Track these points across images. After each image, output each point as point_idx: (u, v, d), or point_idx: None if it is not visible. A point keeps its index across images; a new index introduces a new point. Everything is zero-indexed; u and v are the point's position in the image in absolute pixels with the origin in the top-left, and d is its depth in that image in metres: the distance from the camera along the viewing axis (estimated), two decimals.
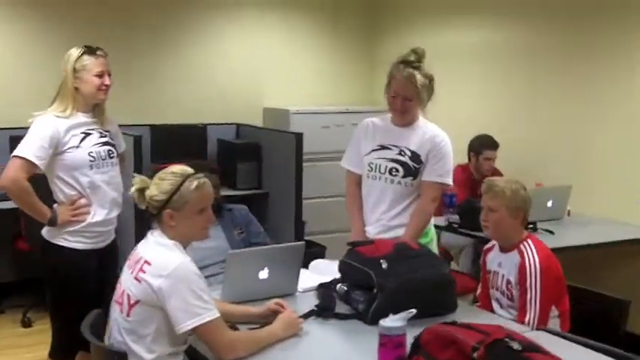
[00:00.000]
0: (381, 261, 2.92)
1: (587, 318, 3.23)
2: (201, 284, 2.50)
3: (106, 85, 3.46)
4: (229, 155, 6.28)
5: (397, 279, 2.85)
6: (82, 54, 3.41)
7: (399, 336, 2.20)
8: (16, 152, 3.30)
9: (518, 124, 5.91)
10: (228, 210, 3.87)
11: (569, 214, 5.23)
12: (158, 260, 2.52)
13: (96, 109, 3.51)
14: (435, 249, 3.65)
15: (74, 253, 3.40)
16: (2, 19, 6.00)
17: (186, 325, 2.44)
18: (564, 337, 2.75)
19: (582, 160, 5.41)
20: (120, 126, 5.92)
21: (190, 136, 6.38)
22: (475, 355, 1.70)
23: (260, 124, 6.88)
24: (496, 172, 5.49)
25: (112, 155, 3.52)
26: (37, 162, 3.28)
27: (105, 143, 3.50)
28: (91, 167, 3.39)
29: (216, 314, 2.49)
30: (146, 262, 2.54)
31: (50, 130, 3.31)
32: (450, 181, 3.53)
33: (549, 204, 5.04)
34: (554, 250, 4.34)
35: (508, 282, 3.23)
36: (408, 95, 3.44)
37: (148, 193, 2.61)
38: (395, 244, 3.03)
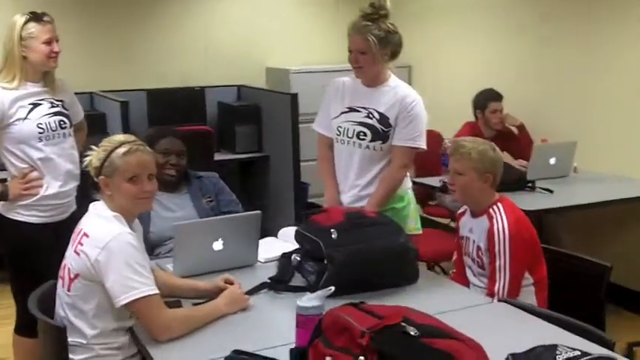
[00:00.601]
0: (332, 230, 2.74)
1: (567, 284, 3.03)
2: (138, 257, 2.38)
3: (55, 52, 3.30)
4: (229, 118, 6.12)
5: (346, 249, 2.68)
6: (27, 21, 3.25)
7: (317, 316, 2.03)
8: None
9: (523, 81, 5.63)
10: (198, 177, 3.72)
11: (575, 170, 4.96)
12: (95, 232, 2.42)
13: (46, 78, 3.37)
14: (412, 213, 3.45)
15: (29, 227, 3.30)
16: None
17: (120, 299, 2.33)
18: (526, 310, 2.55)
19: (590, 115, 5.12)
20: (113, 91, 5.93)
21: (188, 99, 6.22)
22: (362, 341, 1.52)
23: (263, 86, 6.69)
24: (505, 127, 5.24)
25: (63, 126, 3.37)
26: None
27: (56, 113, 3.35)
28: (41, 139, 3.25)
29: (153, 290, 2.37)
30: (85, 234, 2.45)
31: None
32: (422, 144, 3.31)
33: (552, 161, 4.79)
34: (551, 211, 4.22)
35: (478, 248, 3.03)
36: (359, 48, 3.24)
37: (87, 161, 2.54)
38: (347, 212, 2.85)
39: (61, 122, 3.36)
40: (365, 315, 1.68)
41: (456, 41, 6.33)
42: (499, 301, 2.69)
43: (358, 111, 3.33)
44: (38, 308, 2.51)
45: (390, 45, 3.28)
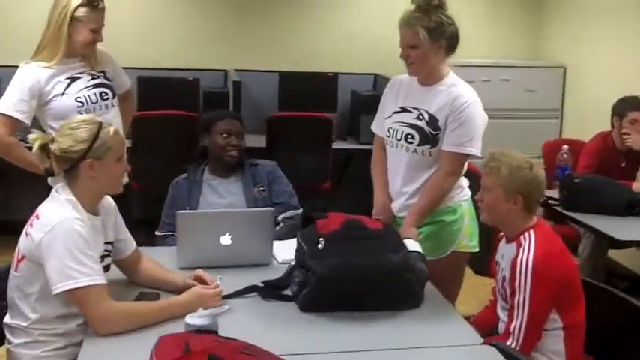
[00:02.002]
0: (320, 239, 2.50)
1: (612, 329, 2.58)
2: (82, 245, 2.29)
3: (98, 41, 3.29)
4: (359, 106, 5.93)
5: (328, 262, 2.44)
6: (82, 4, 3.21)
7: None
8: None
9: None
10: (253, 165, 3.59)
11: None
12: (44, 215, 2.38)
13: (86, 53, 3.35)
14: (467, 229, 3.09)
15: None
16: None
17: (57, 287, 2.27)
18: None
19: None
20: (247, 71, 5.95)
21: (319, 85, 6.09)
22: None
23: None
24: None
25: (105, 97, 3.36)
26: (18, 117, 3.18)
27: (96, 85, 3.34)
28: (80, 112, 3.23)
29: (95, 281, 2.28)
30: (36, 216, 2.41)
31: (29, 81, 3.20)
32: (474, 150, 2.95)
33: None
34: None
35: (504, 279, 2.65)
36: (409, 42, 2.93)
37: (55, 146, 2.41)
38: (345, 221, 2.58)
39: (103, 93, 3.35)
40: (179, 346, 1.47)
41: (612, 43, 5.68)
42: (489, 344, 2.31)
43: (410, 111, 3.04)
44: None
45: (444, 37, 2.96)
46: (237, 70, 5.98)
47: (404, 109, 3.06)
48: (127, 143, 5.02)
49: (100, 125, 2.43)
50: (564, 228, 4.75)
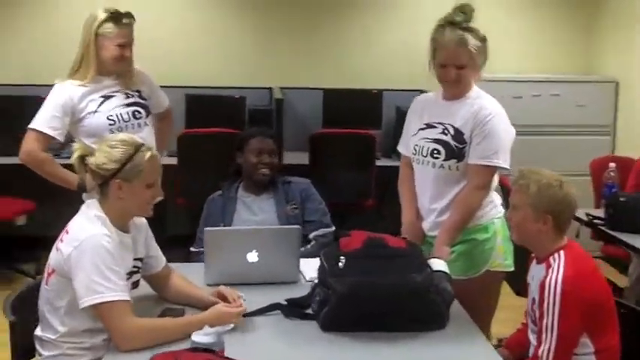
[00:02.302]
0: (341, 257, 2.47)
1: None
2: (108, 261, 2.32)
3: (126, 57, 3.32)
4: (403, 123, 5.86)
5: (348, 281, 2.40)
6: (106, 20, 3.26)
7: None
8: (30, 124, 3.28)
9: None
10: (287, 183, 3.58)
11: None
12: (74, 230, 2.41)
13: (121, 72, 3.39)
14: (500, 247, 3.00)
15: None
16: None
17: (84, 301, 2.30)
18: None
19: None
20: (293, 88, 5.97)
21: (364, 101, 6.07)
22: None
23: None
24: None
25: (138, 116, 3.39)
26: (51, 133, 3.25)
27: (131, 104, 3.38)
28: (112, 131, 3.27)
29: (120, 297, 2.30)
30: (66, 231, 2.45)
31: (62, 99, 3.26)
32: (501, 162, 2.89)
33: None
34: None
35: (533, 301, 2.57)
36: (461, 62, 2.87)
37: (92, 160, 2.45)
38: (367, 239, 2.54)
39: (136, 112, 3.38)
40: None
41: None
42: None
43: (435, 127, 2.99)
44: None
45: (485, 55, 2.92)
46: (282, 88, 6.00)
47: (429, 126, 3.02)
48: (173, 161, 5.20)
49: (138, 148, 2.43)
50: (614, 248, 4.62)
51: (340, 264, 2.45)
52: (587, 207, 4.40)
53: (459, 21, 2.87)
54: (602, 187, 4.39)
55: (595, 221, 3.96)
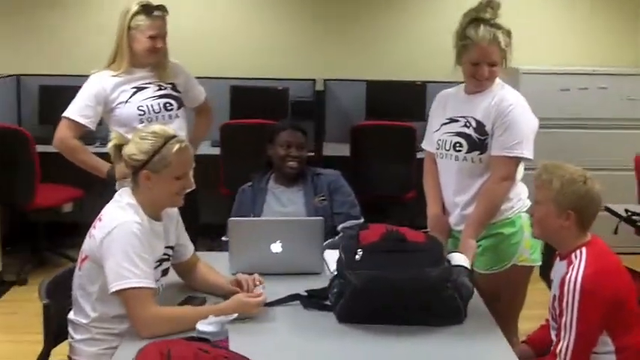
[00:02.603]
0: (358, 250, 2.48)
1: None
2: (138, 248, 2.38)
3: (158, 49, 3.38)
4: None
5: (363, 274, 2.41)
6: (137, 12, 3.34)
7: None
8: (64, 112, 3.39)
9: None
10: (316, 174, 3.60)
11: None
12: (107, 217, 2.48)
13: (156, 63, 3.46)
14: (528, 242, 2.97)
15: None
16: None
17: (112, 286, 2.36)
18: None
19: None
20: (336, 80, 5.97)
21: (407, 94, 6.03)
22: None
23: None
24: None
25: (169, 108, 3.45)
26: (82, 121, 3.35)
27: (162, 96, 3.44)
28: (142, 121, 3.35)
29: (145, 284, 2.36)
30: (99, 218, 2.51)
31: (95, 88, 3.36)
32: (524, 153, 2.86)
33: None
34: None
35: (554, 297, 2.54)
36: (494, 60, 2.86)
37: (126, 150, 2.51)
38: (385, 232, 2.54)
39: (167, 104, 3.44)
40: None
41: None
42: None
43: (457, 121, 2.98)
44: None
45: (511, 49, 2.89)
46: (325, 80, 6.02)
47: (452, 120, 3.01)
48: (216, 151, 5.27)
49: (167, 140, 2.48)
50: None
51: (357, 256, 2.46)
52: (631, 203, 4.31)
53: (488, 18, 2.85)
54: None
55: (634, 217, 3.87)
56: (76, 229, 5.63)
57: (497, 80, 2.95)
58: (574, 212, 2.47)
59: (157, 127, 2.58)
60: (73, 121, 3.36)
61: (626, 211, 3.94)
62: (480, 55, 2.85)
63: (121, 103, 3.38)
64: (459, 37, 2.91)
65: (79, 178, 5.06)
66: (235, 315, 2.10)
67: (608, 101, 5.80)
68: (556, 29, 6.30)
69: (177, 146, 2.47)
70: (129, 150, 2.49)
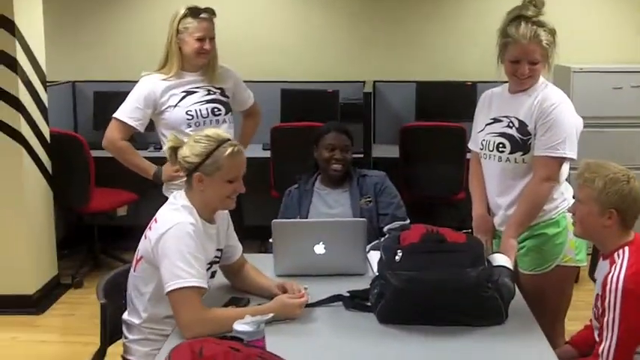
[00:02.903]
0: (398, 251, 2.50)
1: None
2: (192, 248, 2.42)
3: (205, 50, 3.44)
4: None
5: (402, 275, 2.42)
6: (185, 15, 3.42)
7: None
8: (114, 114, 3.49)
9: None
10: (362, 176, 3.62)
11: None
12: (162, 218, 2.53)
13: (206, 66, 3.53)
14: (573, 242, 2.93)
15: None
16: None
17: (168, 285, 2.40)
18: None
19: None
20: (386, 82, 5.99)
21: (458, 94, 6.00)
22: None
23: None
24: None
25: (217, 113, 3.51)
26: (131, 123, 3.44)
27: (210, 101, 3.50)
28: (189, 125, 3.42)
29: (197, 283, 2.40)
30: (155, 219, 2.57)
31: (145, 91, 3.44)
32: (568, 152, 2.82)
33: None
34: None
35: (597, 297, 2.51)
36: (534, 58, 2.83)
37: (180, 152, 2.57)
38: (425, 234, 2.55)
39: (215, 109, 3.51)
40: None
41: None
42: None
43: (501, 121, 2.97)
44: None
45: (555, 47, 2.87)
46: (375, 81, 6.04)
47: (495, 120, 2.99)
48: (267, 154, 5.33)
49: (220, 144, 2.52)
50: None
51: (397, 257, 2.48)
52: None
53: (530, 15, 2.83)
54: None
55: None
56: (130, 232, 5.76)
57: (541, 79, 2.93)
58: (616, 211, 2.45)
59: (211, 131, 2.62)
60: (122, 122, 3.45)
61: None
62: (521, 52, 2.83)
63: (170, 106, 3.46)
64: (501, 35, 2.90)
65: (133, 182, 5.21)
66: (271, 315, 2.13)
67: None
68: (607, 26, 6.19)
69: (229, 150, 2.51)
70: (183, 152, 2.55)
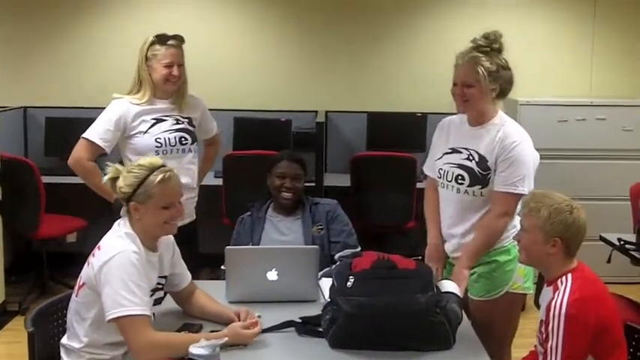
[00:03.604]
0: (350, 277, 2.55)
1: None
2: (135, 277, 2.45)
3: (174, 76, 3.48)
4: None
5: (353, 300, 2.48)
6: (153, 42, 3.47)
7: None
8: (84, 133, 3.49)
9: None
10: (314, 204, 3.67)
11: None
12: (106, 246, 2.55)
13: (176, 95, 3.57)
14: (521, 270, 3.03)
15: None
16: (235, 7, 6.39)
17: (110, 313, 2.42)
18: None
19: None
20: (338, 112, 6.08)
21: (408, 125, 6.12)
22: None
23: None
24: None
25: (184, 142, 3.55)
26: (100, 144, 3.46)
27: (179, 130, 3.55)
28: (157, 153, 3.44)
29: (141, 311, 2.43)
30: (99, 246, 2.58)
31: (117, 114, 3.47)
32: (525, 189, 2.92)
33: None
34: None
35: (541, 322, 2.59)
36: (468, 81, 2.93)
37: (117, 183, 2.60)
38: (376, 260, 2.62)
39: (182, 139, 3.55)
40: None
41: None
42: None
43: (460, 152, 3.05)
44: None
45: (501, 81, 2.96)
46: (328, 112, 6.13)
47: (454, 150, 3.07)
48: (219, 182, 5.35)
49: (151, 171, 2.56)
50: None
51: (349, 283, 2.53)
52: (627, 232, 4.36)
53: (479, 44, 2.94)
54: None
55: (627, 246, 3.92)
56: (79, 259, 5.69)
57: (500, 114, 3.03)
58: (561, 240, 2.53)
59: (144, 160, 2.66)
60: (92, 142, 3.46)
61: (619, 240, 3.98)
62: (457, 74, 2.96)
63: (140, 132, 3.49)
64: None
65: (83, 209, 5.20)
66: (226, 338, 2.16)
67: (606, 132, 5.87)
68: (555, 62, 6.40)
69: (160, 177, 2.55)
70: (119, 183, 2.59)
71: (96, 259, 2.51)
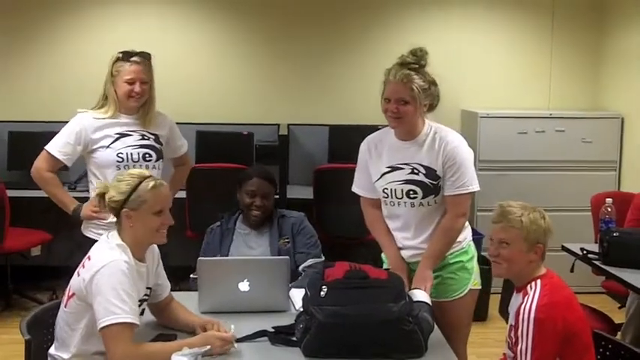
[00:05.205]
0: (323, 287, 2.59)
1: None
2: (126, 285, 2.47)
3: (136, 93, 3.48)
4: None
5: (327, 310, 2.53)
6: (118, 59, 3.48)
7: None
8: (46, 145, 3.49)
9: None
10: (282, 217, 3.70)
11: None
12: (96, 256, 2.57)
13: (142, 111, 3.56)
14: (476, 267, 3.21)
15: None
16: (197, 21, 6.41)
17: (102, 321, 2.43)
18: None
19: None
20: (300, 125, 6.11)
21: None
22: None
23: (458, 129, 6.41)
24: None
25: (148, 158, 3.54)
26: (59, 157, 3.46)
27: (144, 146, 3.54)
28: (119, 168, 3.45)
29: (131, 319, 2.45)
30: (88, 257, 2.60)
31: (78, 128, 3.47)
32: (475, 187, 3.06)
33: None
34: None
35: (511, 327, 2.66)
36: (402, 97, 2.99)
37: (107, 196, 2.64)
38: (349, 271, 2.66)
39: (146, 155, 3.54)
40: None
41: None
42: None
43: (401, 168, 3.10)
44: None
45: (432, 97, 3.05)
46: (289, 125, 6.18)
47: (394, 168, 3.12)
48: (182, 194, 5.34)
49: (142, 179, 2.61)
50: (614, 283, 4.63)
51: (322, 293, 2.57)
52: (588, 242, 4.44)
53: (408, 61, 3.01)
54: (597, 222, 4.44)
55: (590, 256, 4.00)
56: (43, 272, 5.69)
57: (427, 123, 3.10)
58: (542, 245, 2.64)
59: (133, 170, 2.76)
60: (51, 155, 3.47)
61: (582, 249, 4.06)
62: (390, 91, 3.02)
63: (102, 147, 3.48)
64: (384, 77, 3.08)
65: (47, 222, 5.15)
66: (208, 347, 2.18)
67: (566, 144, 5.99)
68: (514, 74, 6.51)
69: (152, 183, 2.61)
70: (109, 194, 2.62)
71: (86, 270, 2.53)
